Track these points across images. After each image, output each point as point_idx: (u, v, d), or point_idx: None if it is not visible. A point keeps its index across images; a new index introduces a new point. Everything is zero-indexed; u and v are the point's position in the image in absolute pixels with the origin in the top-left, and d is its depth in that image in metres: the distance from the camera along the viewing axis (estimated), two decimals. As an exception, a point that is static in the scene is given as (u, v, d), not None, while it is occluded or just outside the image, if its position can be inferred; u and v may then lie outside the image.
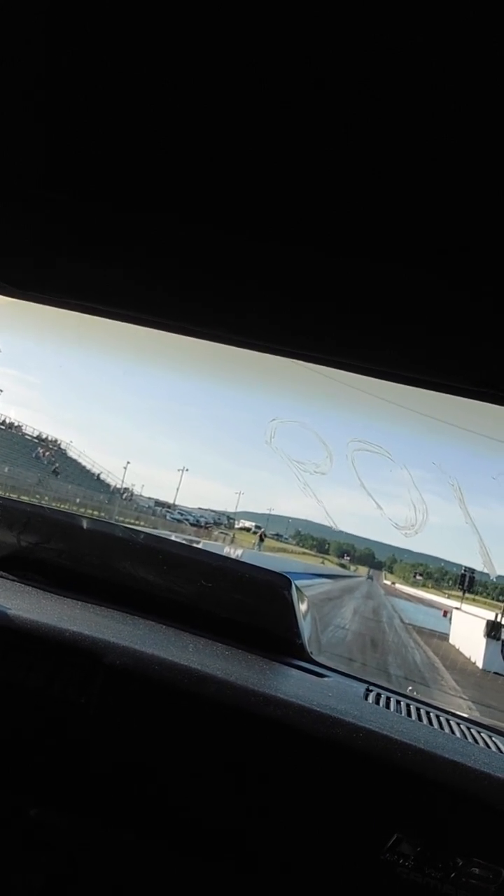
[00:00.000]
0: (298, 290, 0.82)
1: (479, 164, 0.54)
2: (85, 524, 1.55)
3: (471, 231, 0.62)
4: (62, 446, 38.69)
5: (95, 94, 0.60)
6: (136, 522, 27.15)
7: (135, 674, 1.12)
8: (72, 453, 39.30)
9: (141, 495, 45.14)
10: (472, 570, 24.37)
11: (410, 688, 1.74)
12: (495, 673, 9.25)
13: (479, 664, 9.57)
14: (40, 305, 1.11)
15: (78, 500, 26.76)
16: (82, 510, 20.45)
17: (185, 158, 0.64)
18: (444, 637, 13.01)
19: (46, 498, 23.20)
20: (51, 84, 0.61)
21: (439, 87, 0.48)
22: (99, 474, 40.11)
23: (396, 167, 0.57)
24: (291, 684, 1.21)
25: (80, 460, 39.24)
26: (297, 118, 0.55)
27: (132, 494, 42.05)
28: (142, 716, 1.12)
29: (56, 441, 38.29)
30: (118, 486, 41.08)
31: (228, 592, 1.48)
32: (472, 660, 10.08)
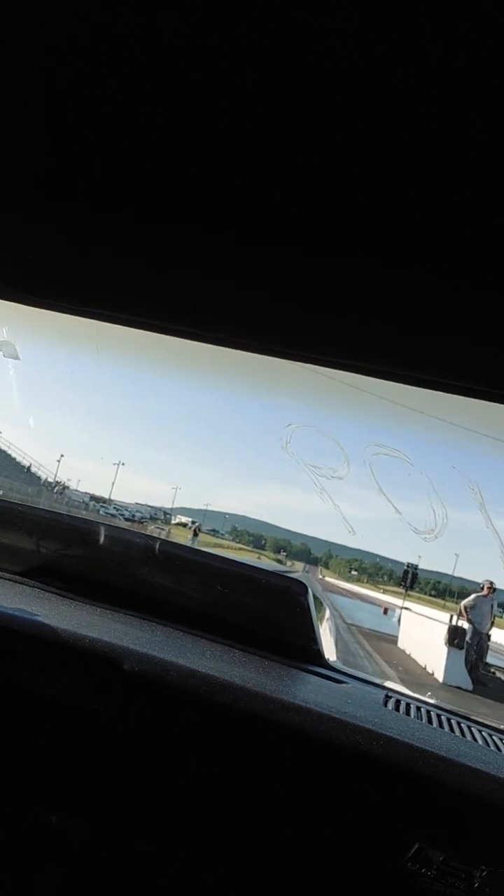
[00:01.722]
0: (289, 291, 0.79)
1: (483, 160, 0.51)
2: (104, 531, 1.54)
3: (480, 229, 0.58)
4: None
5: (97, 101, 0.59)
6: (67, 518, 25.95)
7: (153, 680, 1.11)
8: (-1, 444, 37.46)
9: (76, 490, 44.20)
10: (416, 567, 24.46)
11: (429, 693, 1.61)
12: (457, 687, 8.50)
13: (439, 677, 8.74)
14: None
15: (0, 493, 25.22)
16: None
17: (186, 164, 0.62)
18: (392, 640, 12.35)
19: (-35, 490, 21.64)
20: (53, 91, 0.60)
21: (443, 84, 0.46)
22: (29, 466, 38.75)
23: (399, 167, 0.55)
24: (310, 691, 1.19)
25: (9, 451, 37.60)
26: (298, 120, 0.53)
27: (64, 488, 41.01)
28: (160, 722, 1.12)
29: (-19, 431, 36.38)
30: (50, 479, 39.91)
31: (245, 598, 1.48)
32: (430, 670, 9.20)
